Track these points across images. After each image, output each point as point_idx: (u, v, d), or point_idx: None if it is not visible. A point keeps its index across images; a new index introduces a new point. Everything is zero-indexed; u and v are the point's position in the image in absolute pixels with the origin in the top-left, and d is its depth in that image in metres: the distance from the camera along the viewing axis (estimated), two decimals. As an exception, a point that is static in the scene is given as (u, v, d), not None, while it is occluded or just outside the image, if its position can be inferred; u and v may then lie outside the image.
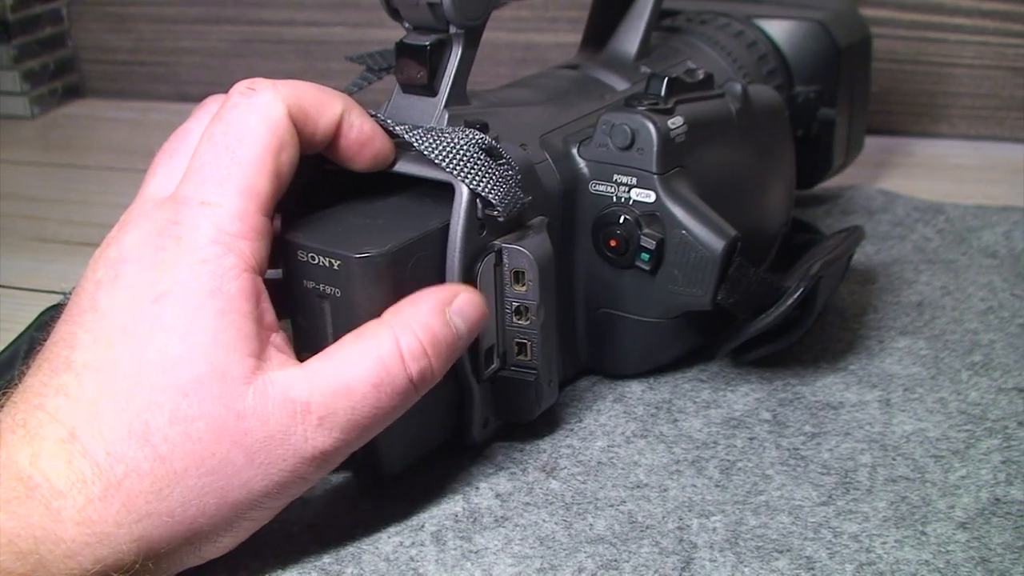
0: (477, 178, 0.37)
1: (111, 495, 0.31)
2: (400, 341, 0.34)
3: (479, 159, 0.37)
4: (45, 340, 0.34)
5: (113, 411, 0.31)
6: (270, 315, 0.34)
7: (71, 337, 0.33)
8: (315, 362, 0.34)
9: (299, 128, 0.35)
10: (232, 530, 0.33)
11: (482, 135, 0.38)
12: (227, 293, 0.33)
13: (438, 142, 0.37)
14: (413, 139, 0.38)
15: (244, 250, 0.33)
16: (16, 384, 0.34)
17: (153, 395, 0.32)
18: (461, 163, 0.37)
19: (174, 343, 0.32)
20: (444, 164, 0.37)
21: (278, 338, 0.34)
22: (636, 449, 0.41)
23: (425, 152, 0.37)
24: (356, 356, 0.34)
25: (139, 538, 0.31)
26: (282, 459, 0.33)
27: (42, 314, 0.44)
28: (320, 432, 0.33)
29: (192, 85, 0.91)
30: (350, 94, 0.39)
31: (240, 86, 0.35)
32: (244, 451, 0.32)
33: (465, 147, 0.37)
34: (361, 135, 0.37)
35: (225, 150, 0.34)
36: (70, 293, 0.40)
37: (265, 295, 0.34)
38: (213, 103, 0.37)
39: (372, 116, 0.38)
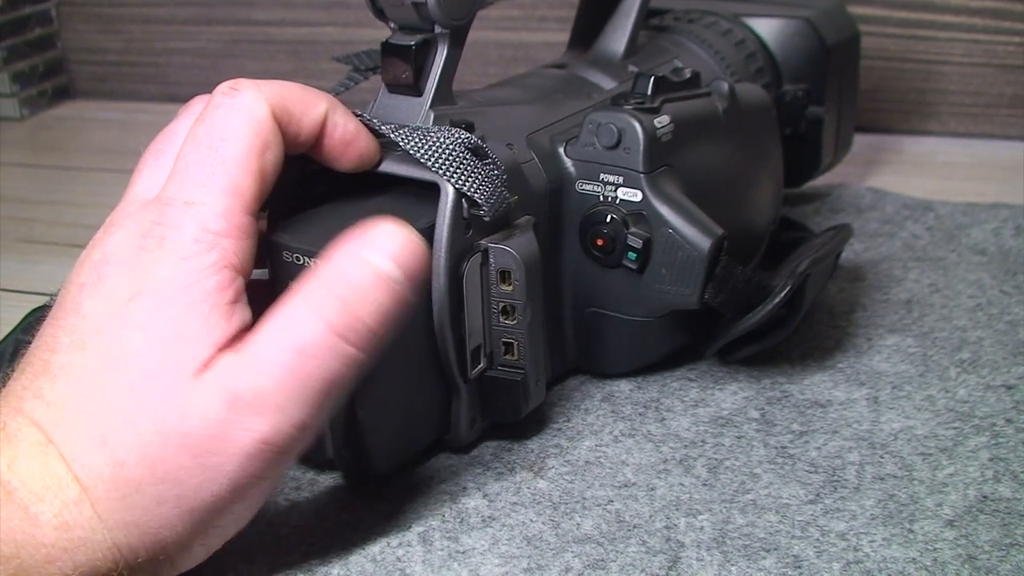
0: (463, 177, 0.37)
1: (83, 500, 0.30)
2: (309, 298, 0.32)
3: (465, 158, 0.37)
4: (30, 342, 0.34)
5: (78, 414, 0.31)
6: (247, 316, 0.33)
7: (53, 340, 0.33)
8: (242, 344, 0.32)
9: (283, 128, 0.35)
10: (202, 539, 0.33)
11: (468, 134, 0.38)
12: (203, 287, 0.32)
13: (424, 141, 0.37)
14: (399, 138, 0.38)
15: (227, 248, 0.33)
16: (2, 387, 0.33)
17: (111, 396, 0.31)
18: (447, 162, 0.37)
19: (135, 337, 0.31)
20: (430, 163, 0.37)
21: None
22: (624, 448, 0.41)
23: (411, 151, 0.37)
24: (272, 328, 0.32)
25: (113, 546, 0.31)
26: (228, 458, 0.31)
27: (28, 316, 0.43)
28: (255, 419, 0.31)
29: (182, 86, 0.91)
30: (336, 95, 0.39)
31: (223, 86, 0.35)
32: (191, 453, 0.31)
33: (451, 146, 0.37)
34: (346, 135, 0.37)
35: (208, 149, 0.34)
36: (56, 295, 0.40)
37: (244, 296, 0.33)
38: (198, 104, 0.37)
39: (357, 116, 0.38)
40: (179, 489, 0.31)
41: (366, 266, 0.32)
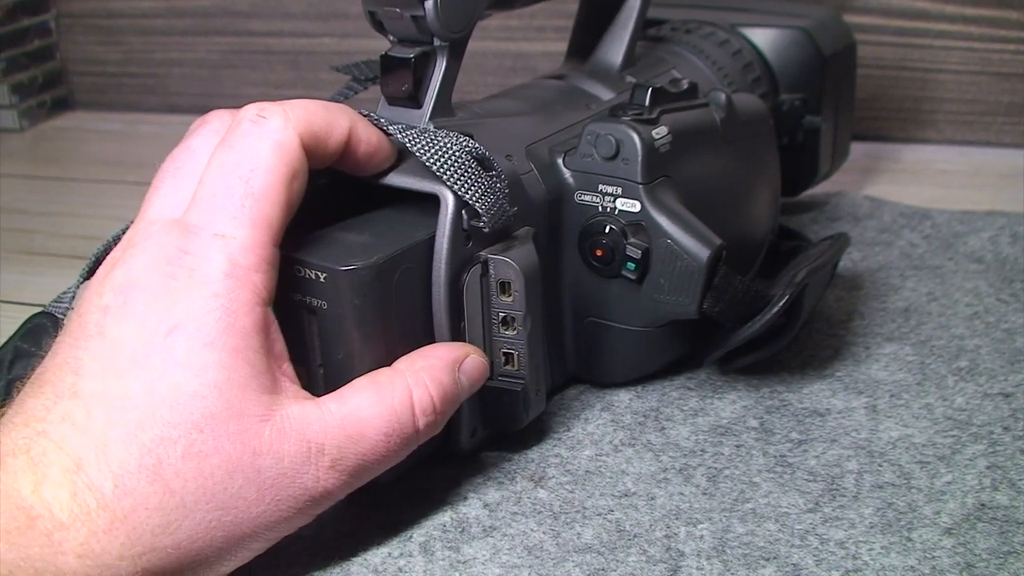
0: (467, 186, 0.37)
1: (116, 528, 0.30)
2: (414, 393, 0.35)
3: (471, 167, 0.37)
4: (27, 349, 0.34)
5: (123, 444, 0.31)
6: (280, 345, 0.34)
7: (76, 363, 0.32)
8: (331, 402, 0.34)
9: (309, 153, 0.35)
10: (234, 558, 0.33)
11: (474, 142, 0.38)
12: (240, 329, 0.32)
13: (432, 147, 0.37)
14: (407, 140, 0.37)
15: (257, 283, 0.33)
16: (11, 400, 0.33)
17: (166, 430, 0.31)
18: (453, 170, 0.37)
19: (188, 379, 0.32)
20: (436, 169, 0.37)
21: (288, 368, 0.34)
22: (624, 458, 0.42)
23: (418, 154, 0.37)
24: (371, 403, 0.35)
25: (142, 570, 0.31)
26: (292, 496, 0.33)
27: (26, 322, 0.43)
28: (331, 474, 0.34)
29: (181, 96, 0.91)
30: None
31: (250, 111, 0.35)
32: (256, 487, 0.32)
33: (457, 153, 0.37)
34: (369, 147, 0.37)
35: (239, 180, 0.34)
36: (53, 305, 0.40)
37: (275, 326, 0.34)
38: (217, 120, 0.36)
39: (364, 115, 0.38)
40: (233, 516, 0.32)
41: (457, 384, 0.37)
